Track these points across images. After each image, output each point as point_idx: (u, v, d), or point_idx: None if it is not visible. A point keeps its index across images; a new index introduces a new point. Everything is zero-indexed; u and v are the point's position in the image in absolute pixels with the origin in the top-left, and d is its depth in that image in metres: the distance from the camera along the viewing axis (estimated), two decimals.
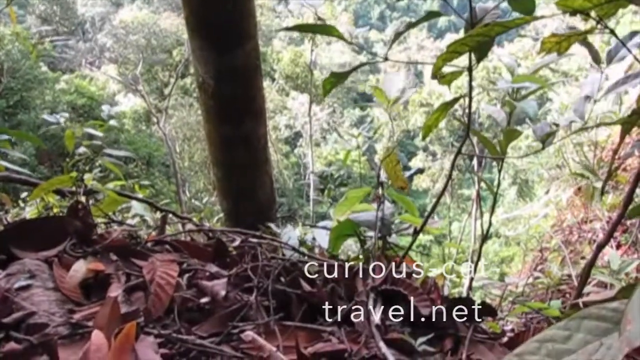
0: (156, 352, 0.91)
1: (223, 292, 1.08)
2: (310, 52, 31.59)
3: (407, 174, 1.92)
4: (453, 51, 1.15)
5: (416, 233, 1.66)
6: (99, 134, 2.53)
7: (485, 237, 2.17)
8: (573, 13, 0.94)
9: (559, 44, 1.08)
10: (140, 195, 3.04)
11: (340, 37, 1.41)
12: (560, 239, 5.79)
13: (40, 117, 14.63)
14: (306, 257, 1.43)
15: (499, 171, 1.93)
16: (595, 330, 0.77)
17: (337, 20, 37.37)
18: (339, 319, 1.15)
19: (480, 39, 1.27)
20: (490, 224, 1.94)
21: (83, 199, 1.94)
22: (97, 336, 0.92)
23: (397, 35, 1.45)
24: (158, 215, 3.64)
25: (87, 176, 2.95)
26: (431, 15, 1.44)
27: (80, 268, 1.15)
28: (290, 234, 2.13)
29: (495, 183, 1.97)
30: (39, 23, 18.35)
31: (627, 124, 1.17)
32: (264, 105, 3.84)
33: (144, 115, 20.55)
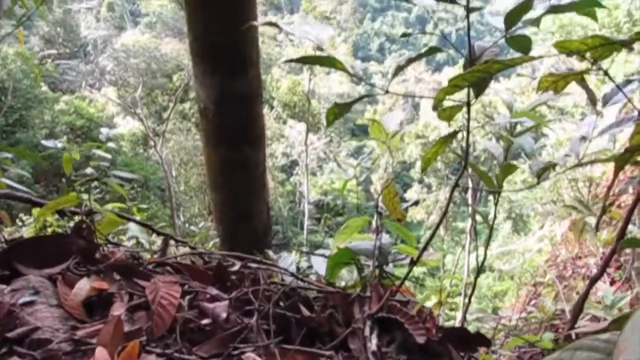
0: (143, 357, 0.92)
1: (224, 314, 1.10)
2: (308, 81, 31.97)
3: (404, 205, 1.95)
4: (454, 85, 1.20)
5: (412, 263, 1.69)
6: (107, 155, 2.56)
7: (479, 271, 2.19)
8: (570, 54, 0.99)
9: (555, 82, 1.12)
10: (138, 218, 3.06)
11: (343, 69, 1.45)
12: (554, 273, 5.80)
13: (38, 137, 14.66)
14: (305, 284, 1.45)
15: (495, 204, 1.96)
16: None
17: (336, 51, 37.85)
18: (337, 345, 1.17)
19: (480, 75, 1.32)
20: (485, 257, 1.96)
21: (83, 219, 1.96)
22: (100, 353, 0.94)
23: (398, 69, 1.50)
24: (154, 238, 3.65)
25: (85, 197, 2.97)
26: (431, 51, 1.49)
27: (84, 286, 1.17)
28: (287, 260, 2.15)
29: (491, 217, 2.00)
30: (42, 44, 18.53)
31: (620, 161, 1.21)
32: (264, 132, 3.88)
33: (141, 139, 20.62)
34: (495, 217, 1.97)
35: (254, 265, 1.50)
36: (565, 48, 0.99)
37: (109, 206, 3.20)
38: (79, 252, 1.34)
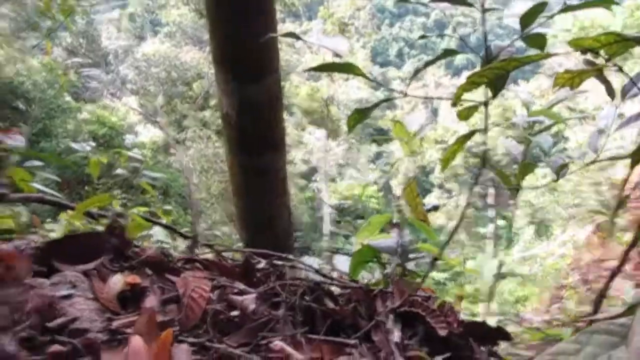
0: (190, 357, 0.97)
1: (252, 306, 1.14)
2: (328, 87, 31.99)
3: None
4: (472, 82, 1.23)
5: (434, 260, 1.72)
6: (139, 156, 2.63)
7: (499, 275, 2.20)
8: (584, 52, 1.02)
9: (571, 79, 1.15)
10: (164, 221, 3.12)
11: (362, 75, 1.49)
12: (578, 277, 5.76)
13: (61, 146, 14.92)
14: (329, 280, 1.49)
15: (514, 205, 1.98)
16: (604, 343, 0.82)
17: (355, 57, 37.90)
18: (361, 336, 1.21)
19: (497, 72, 1.36)
20: (503, 262, 1.99)
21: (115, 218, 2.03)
22: (136, 341, 0.99)
23: (416, 72, 1.54)
24: (178, 242, 3.72)
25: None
26: (448, 53, 1.52)
27: (118, 281, 1.22)
28: (309, 261, 2.19)
29: (516, 215, 2.02)
30: (66, 55, 18.89)
31: (636, 156, 1.23)
32: (284, 138, 3.94)
33: (162, 146, 20.85)
34: (512, 220, 1.99)
35: (279, 262, 1.55)
36: (579, 45, 1.02)
37: (135, 210, 3.27)
38: (112, 249, 1.40)
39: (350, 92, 41.06)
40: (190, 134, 21.21)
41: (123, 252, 1.41)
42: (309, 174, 33.62)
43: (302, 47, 36.34)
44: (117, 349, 1.00)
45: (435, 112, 41.29)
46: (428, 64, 1.48)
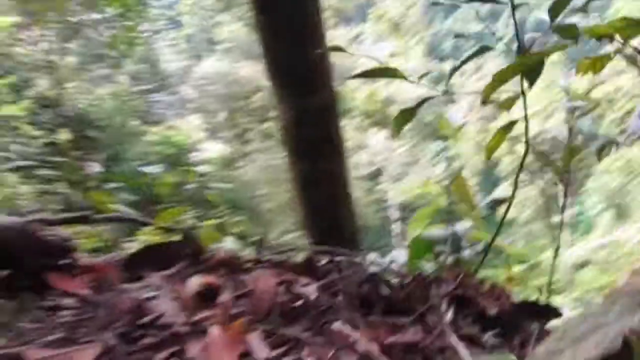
0: (262, 342, 1.12)
1: (314, 296, 1.28)
2: (384, 88, 31.85)
3: (484, 202, 2.06)
4: (500, 80, 1.32)
5: (488, 245, 1.81)
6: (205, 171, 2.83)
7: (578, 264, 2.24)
8: (599, 38, 1.09)
9: (593, 65, 1.22)
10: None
11: (403, 77, 1.60)
12: None
13: (132, 169, 15.63)
14: (384, 270, 1.61)
15: (565, 189, 2.03)
16: (631, 303, 0.90)
17: (411, 55, 37.62)
18: (416, 318, 1.32)
19: (533, 63, 1.44)
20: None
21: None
22: (214, 330, 1.14)
23: (453, 70, 1.63)
24: (247, 252, 3.90)
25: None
26: (482, 50, 1.61)
27: (195, 282, 1.39)
28: (371, 256, 2.30)
29: (592, 201, 2.07)
30: (130, 81, 19.77)
31: None
32: (343, 145, 4.06)
33: (227, 160, 21.44)
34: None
35: (338, 258, 1.68)
36: (594, 33, 1.10)
37: (206, 222, 3.49)
38: (188, 256, 1.57)
39: (409, 90, 40.78)
40: (254, 146, 21.73)
41: (198, 257, 1.58)
42: (375, 176, 33.56)
43: (357, 51, 36.41)
44: (199, 338, 1.16)
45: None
46: (462, 63, 1.57)
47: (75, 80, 14.57)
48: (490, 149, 1.78)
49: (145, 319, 1.24)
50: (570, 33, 1.54)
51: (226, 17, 27.48)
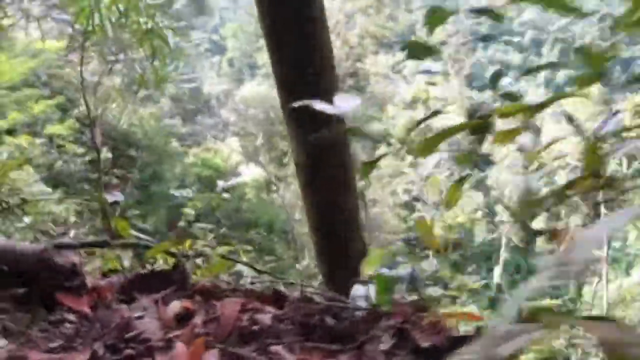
0: (215, 358, 1.38)
1: (268, 323, 1.53)
2: (423, 115, 31.75)
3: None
4: (438, 139, 1.57)
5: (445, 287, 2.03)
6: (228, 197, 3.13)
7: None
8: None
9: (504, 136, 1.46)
10: (243, 259, 3.60)
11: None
12: None
13: (171, 188, 16.20)
14: (340, 303, 1.85)
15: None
16: None
17: (449, 85, 37.67)
18: (354, 347, 1.56)
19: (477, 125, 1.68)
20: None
21: (191, 260, 2.51)
22: (179, 346, 1.42)
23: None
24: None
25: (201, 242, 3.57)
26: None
27: (175, 305, 1.67)
28: (359, 290, 2.53)
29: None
30: (171, 103, 20.55)
31: None
32: (354, 180, 4.29)
33: (264, 184, 21.90)
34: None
35: (310, 289, 1.93)
36: (501, 112, 1.34)
37: (220, 249, 3.78)
38: (176, 282, 1.86)
39: (449, 117, 40.80)
40: (291, 170, 22.13)
41: (184, 284, 1.87)
42: (411, 204, 33.48)
43: (396, 78, 36.73)
44: (168, 352, 1.43)
45: (538, 132, 39.79)
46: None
47: (119, 100, 15.20)
48: (449, 203, 2.00)
49: (131, 334, 1.53)
50: (512, 99, 1.80)
51: None
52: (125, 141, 15.79)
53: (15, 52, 11.78)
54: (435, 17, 1.53)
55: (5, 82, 10.72)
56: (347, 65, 27.14)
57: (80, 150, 13.51)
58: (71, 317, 1.66)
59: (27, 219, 4.87)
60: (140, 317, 1.62)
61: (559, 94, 1.62)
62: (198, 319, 1.60)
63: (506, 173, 36.24)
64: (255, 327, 1.54)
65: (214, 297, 1.77)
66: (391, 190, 32.47)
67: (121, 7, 3.93)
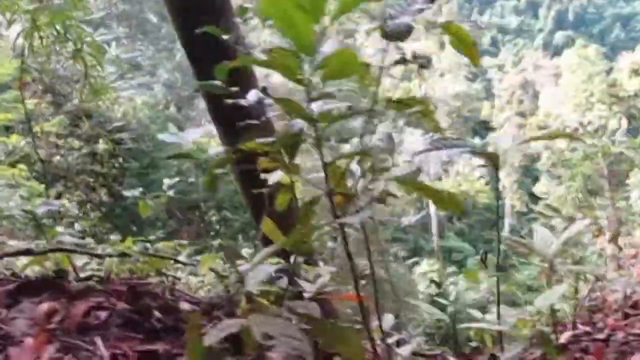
0: (53, 347, 1.86)
1: (104, 317, 2.01)
2: (420, 86, 31.99)
3: None
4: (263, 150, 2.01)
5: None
6: None
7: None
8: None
9: None
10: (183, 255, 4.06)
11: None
12: None
13: (170, 175, 16.61)
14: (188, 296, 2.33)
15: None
16: None
17: (446, 53, 37.64)
18: (174, 336, 2.03)
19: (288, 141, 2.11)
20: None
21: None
22: (27, 340, 1.90)
23: None
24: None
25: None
26: None
27: (44, 306, 2.15)
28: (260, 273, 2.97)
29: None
30: (165, 90, 20.94)
31: None
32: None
33: None
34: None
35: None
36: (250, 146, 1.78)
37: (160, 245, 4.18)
38: (56, 286, 2.34)
39: (448, 86, 40.84)
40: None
41: (63, 288, 2.34)
42: (414, 176, 33.74)
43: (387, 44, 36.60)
44: (21, 345, 1.91)
45: (536, 96, 39.89)
46: None
47: (112, 90, 15.52)
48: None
49: (1, 332, 2.01)
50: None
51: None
52: (120, 131, 16.20)
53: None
54: None
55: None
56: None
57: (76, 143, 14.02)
58: None
59: None
60: (14, 318, 2.10)
61: None
62: (56, 317, 2.07)
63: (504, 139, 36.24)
64: (96, 322, 2.02)
65: (75, 297, 2.24)
66: (393, 163, 32.81)
67: (59, 27, 4.30)
